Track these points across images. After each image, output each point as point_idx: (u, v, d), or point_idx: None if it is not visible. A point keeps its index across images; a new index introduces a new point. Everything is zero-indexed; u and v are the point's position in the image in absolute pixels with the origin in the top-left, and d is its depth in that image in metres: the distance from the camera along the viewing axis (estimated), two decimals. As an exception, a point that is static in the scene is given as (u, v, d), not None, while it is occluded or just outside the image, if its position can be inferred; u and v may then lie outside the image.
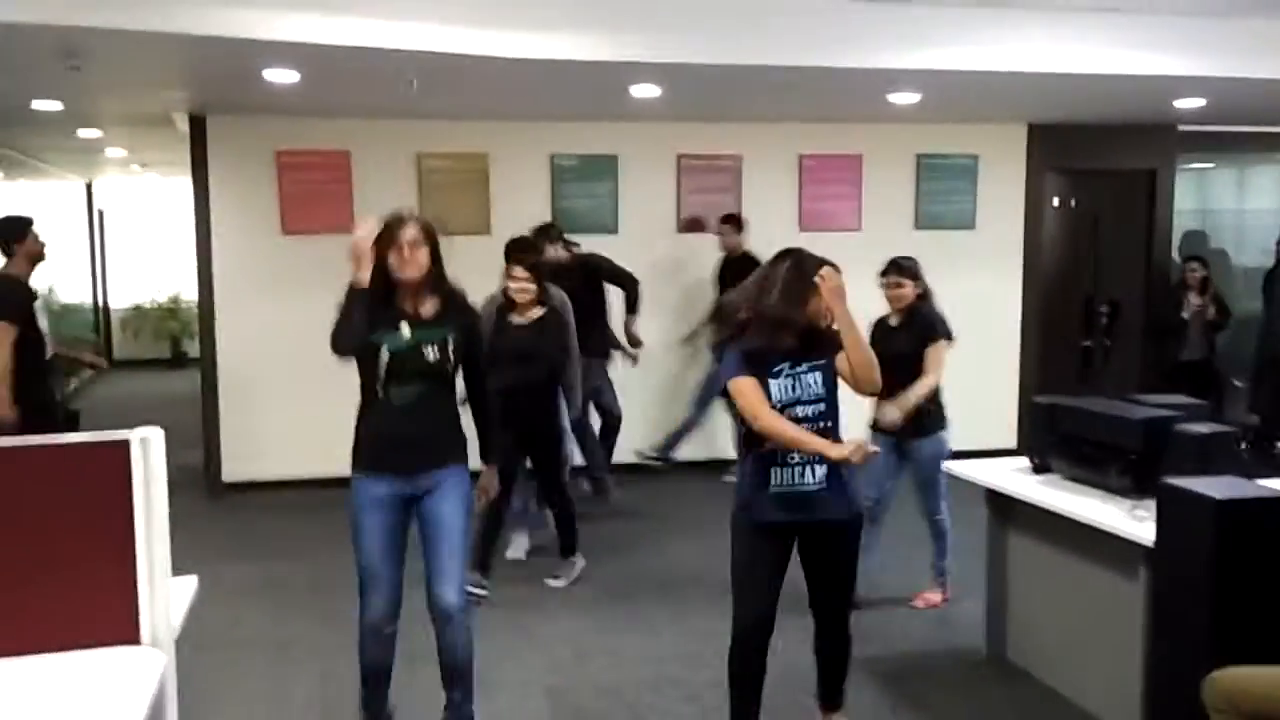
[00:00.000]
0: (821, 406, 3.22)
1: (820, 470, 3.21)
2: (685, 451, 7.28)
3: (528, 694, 4.04)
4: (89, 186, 13.17)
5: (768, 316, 3.18)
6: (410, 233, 3.22)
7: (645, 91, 6.09)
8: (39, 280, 5.56)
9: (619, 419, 6.73)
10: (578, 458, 6.19)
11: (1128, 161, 8.28)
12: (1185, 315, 7.74)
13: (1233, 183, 9.75)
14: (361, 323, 3.22)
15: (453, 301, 3.37)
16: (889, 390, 4.04)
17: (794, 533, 3.30)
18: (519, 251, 5.17)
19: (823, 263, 3.21)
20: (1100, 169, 8.35)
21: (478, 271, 6.73)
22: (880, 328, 4.70)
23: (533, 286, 4.95)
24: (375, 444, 3.34)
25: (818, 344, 3.23)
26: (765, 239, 7.47)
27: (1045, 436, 4.09)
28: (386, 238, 3.24)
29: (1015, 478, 4.10)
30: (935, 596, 4.92)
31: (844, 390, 3.30)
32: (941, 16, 5.40)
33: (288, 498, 6.86)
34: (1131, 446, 3.64)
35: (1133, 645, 3.45)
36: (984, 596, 4.40)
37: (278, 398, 7.07)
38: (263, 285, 7.12)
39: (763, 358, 3.20)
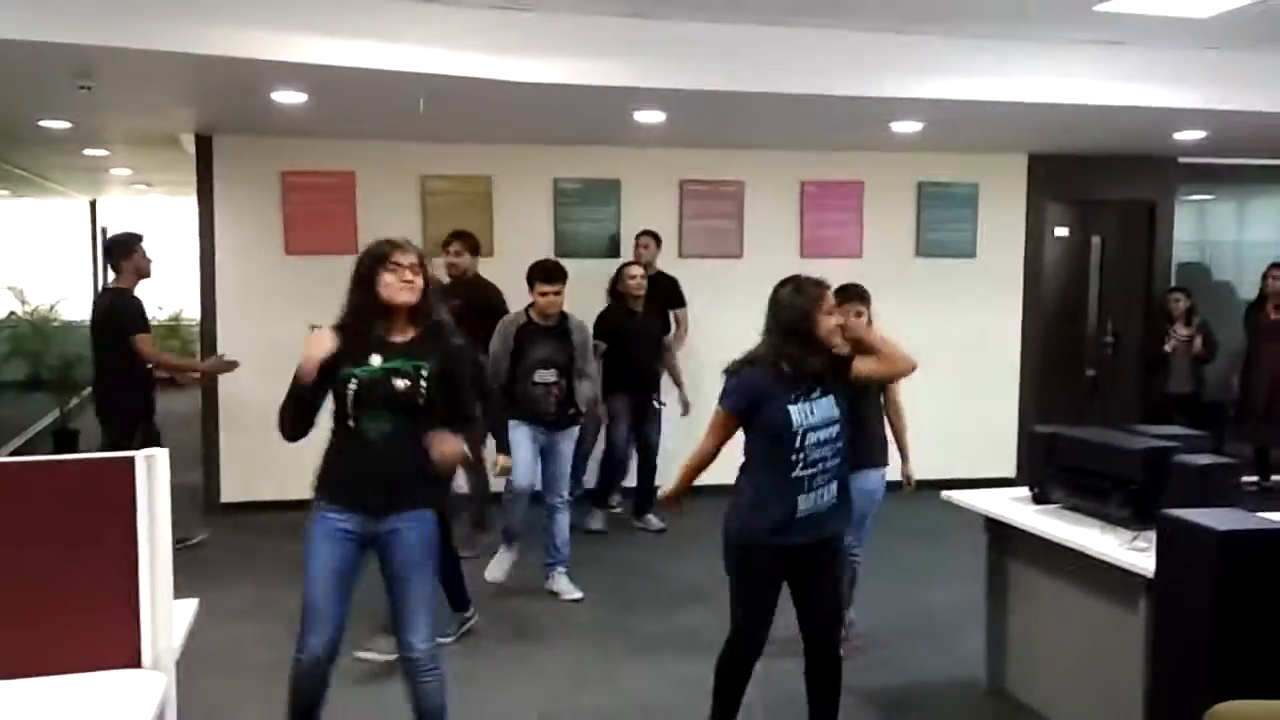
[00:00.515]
0: (836, 429, 3.36)
1: (833, 488, 3.38)
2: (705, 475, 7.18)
3: (525, 719, 4.02)
4: (93, 205, 13.22)
5: (784, 333, 3.33)
6: (411, 257, 3.15)
7: (649, 117, 6.13)
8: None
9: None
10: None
11: (1128, 192, 8.32)
12: (1167, 348, 7.75)
13: (1233, 215, 9.80)
14: (304, 416, 3.21)
15: (434, 332, 3.22)
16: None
17: (795, 554, 3.37)
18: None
19: (819, 283, 3.39)
20: (1100, 199, 8.40)
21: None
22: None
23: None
24: (341, 478, 3.19)
25: (832, 371, 3.38)
26: (766, 265, 7.50)
27: (1044, 466, 4.09)
28: (381, 259, 3.15)
29: (1014, 507, 4.09)
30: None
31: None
32: (945, 47, 5.44)
33: (288, 519, 6.82)
34: (1131, 477, 3.64)
35: (1133, 677, 3.44)
36: (983, 627, 4.38)
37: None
38: (265, 305, 7.13)
39: (781, 384, 3.31)
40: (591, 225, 7.48)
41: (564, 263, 5.48)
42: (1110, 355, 8.52)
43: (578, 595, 5.37)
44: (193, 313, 8.61)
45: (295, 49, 4.66)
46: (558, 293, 5.21)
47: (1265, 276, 7.73)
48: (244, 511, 7.01)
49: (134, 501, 2.30)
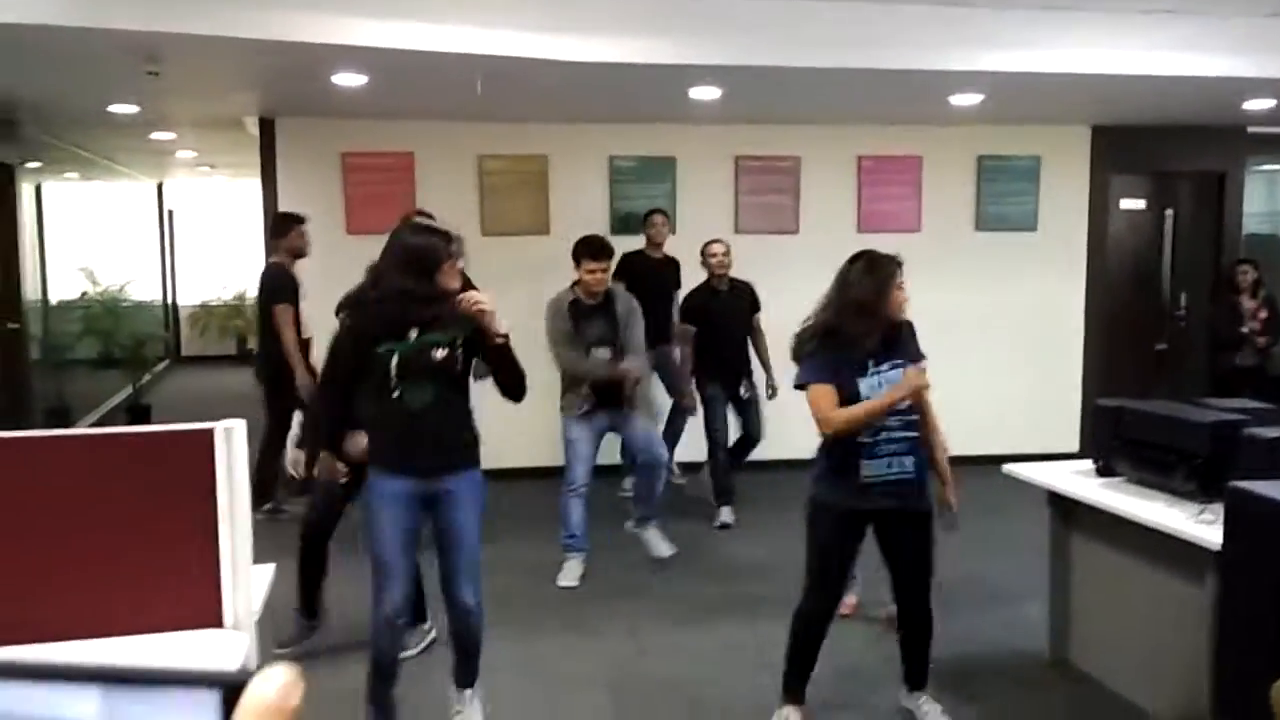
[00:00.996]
0: (907, 400, 3.40)
1: (909, 460, 3.42)
2: (760, 452, 7.10)
3: (590, 688, 4.10)
4: (159, 187, 13.52)
5: (853, 310, 3.36)
6: (455, 247, 3.36)
7: (705, 94, 6.13)
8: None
9: None
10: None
11: (1195, 164, 8.15)
12: (1245, 330, 7.56)
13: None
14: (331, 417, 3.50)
15: (456, 303, 3.38)
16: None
17: (875, 519, 3.47)
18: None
19: (891, 259, 3.41)
20: (1167, 171, 8.22)
21: (536, 271, 6.91)
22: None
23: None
24: (393, 446, 3.39)
25: (899, 344, 3.44)
26: (823, 241, 7.50)
27: (1110, 439, 4.05)
28: (440, 253, 3.32)
29: (1078, 480, 4.07)
30: (851, 599, 4.61)
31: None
32: (1005, 18, 5.36)
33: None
34: (1198, 450, 3.60)
35: (1199, 650, 3.41)
36: (1047, 599, 4.37)
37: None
38: (327, 284, 7.18)
39: (851, 358, 3.38)
40: (647, 202, 7.49)
41: (621, 240, 5.50)
42: (1183, 329, 8.36)
43: (665, 553, 5.38)
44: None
45: (355, 32, 4.73)
46: (605, 270, 5.13)
47: None
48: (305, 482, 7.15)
49: (213, 470, 2.39)
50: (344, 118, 7.10)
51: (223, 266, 13.71)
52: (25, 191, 7.88)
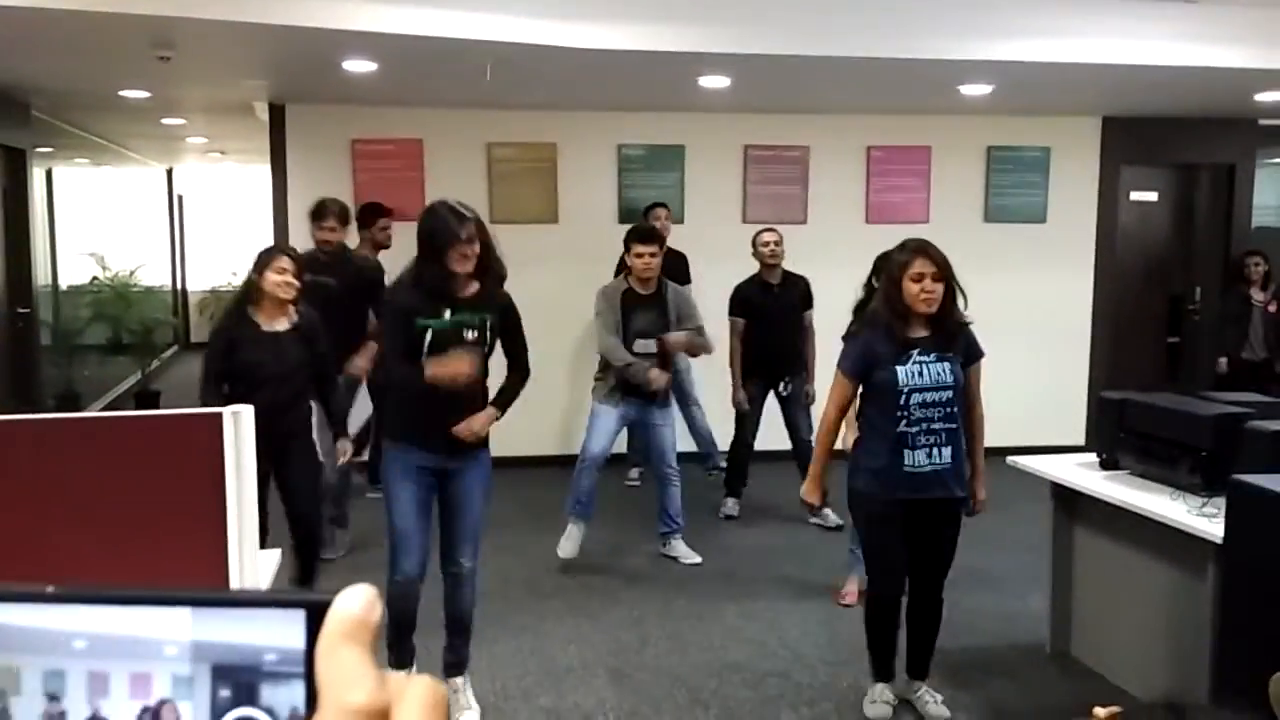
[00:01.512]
0: (949, 394, 3.46)
1: (947, 452, 3.48)
2: (762, 441, 7.10)
3: (591, 675, 4.13)
4: (169, 173, 13.55)
5: (882, 299, 3.52)
6: (470, 229, 3.42)
7: (714, 82, 6.12)
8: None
9: None
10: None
11: (1206, 156, 8.11)
12: (1254, 316, 7.52)
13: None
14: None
15: (493, 287, 3.57)
16: None
17: (911, 508, 3.51)
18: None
19: (903, 247, 3.52)
20: (1177, 163, 8.19)
21: (544, 258, 6.92)
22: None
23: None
24: (414, 421, 3.54)
25: (951, 337, 3.48)
26: (831, 231, 7.50)
27: (1114, 432, 4.06)
28: (447, 234, 3.39)
29: (1082, 473, 4.08)
30: (853, 588, 4.66)
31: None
32: (1016, 8, 5.35)
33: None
34: (1202, 443, 3.60)
35: (1199, 643, 3.42)
36: (1048, 591, 4.38)
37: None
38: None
39: (890, 344, 3.45)
40: (656, 192, 7.50)
41: (628, 229, 5.49)
42: (1196, 323, 8.33)
43: (697, 559, 5.37)
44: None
45: (365, 18, 4.74)
46: (654, 254, 5.04)
47: None
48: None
49: (222, 454, 2.41)
50: (354, 104, 7.11)
51: (232, 252, 13.73)
52: (36, 176, 7.91)
